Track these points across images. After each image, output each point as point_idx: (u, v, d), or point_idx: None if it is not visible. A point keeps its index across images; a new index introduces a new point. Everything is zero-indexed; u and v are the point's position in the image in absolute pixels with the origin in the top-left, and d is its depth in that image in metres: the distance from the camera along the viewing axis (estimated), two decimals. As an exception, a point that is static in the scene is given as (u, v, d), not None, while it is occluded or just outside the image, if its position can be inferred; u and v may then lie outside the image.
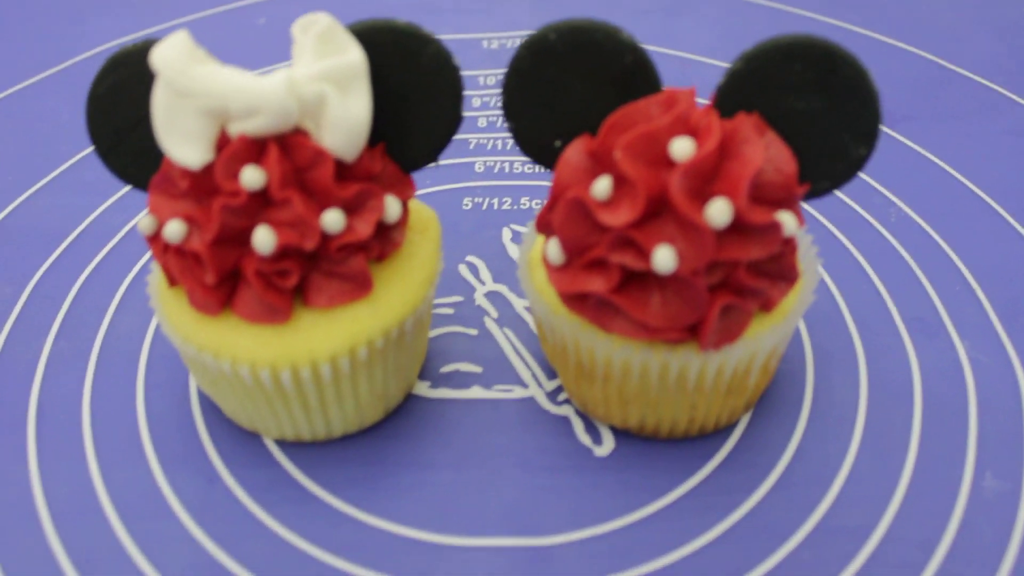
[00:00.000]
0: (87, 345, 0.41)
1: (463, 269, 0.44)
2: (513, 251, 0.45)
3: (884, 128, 0.52)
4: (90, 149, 0.52)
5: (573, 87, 0.33)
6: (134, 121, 0.34)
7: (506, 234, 0.46)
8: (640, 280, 0.32)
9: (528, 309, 0.42)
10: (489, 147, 0.52)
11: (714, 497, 0.35)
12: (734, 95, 0.32)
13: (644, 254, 0.31)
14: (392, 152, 0.35)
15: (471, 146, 0.52)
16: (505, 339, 0.41)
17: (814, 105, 0.32)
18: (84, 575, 0.33)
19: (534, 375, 0.39)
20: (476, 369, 0.39)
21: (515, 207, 0.47)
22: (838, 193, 0.45)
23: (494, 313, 0.42)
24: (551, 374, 0.39)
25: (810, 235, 0.38)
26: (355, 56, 0.32)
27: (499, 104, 0.35)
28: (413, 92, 0.34)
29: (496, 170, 0.49)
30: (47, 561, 0.33)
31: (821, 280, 0.43)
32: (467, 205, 0.47)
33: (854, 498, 0.35)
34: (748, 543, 0.34)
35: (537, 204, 0.47)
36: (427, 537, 0.34)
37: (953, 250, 0.44)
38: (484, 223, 0.47)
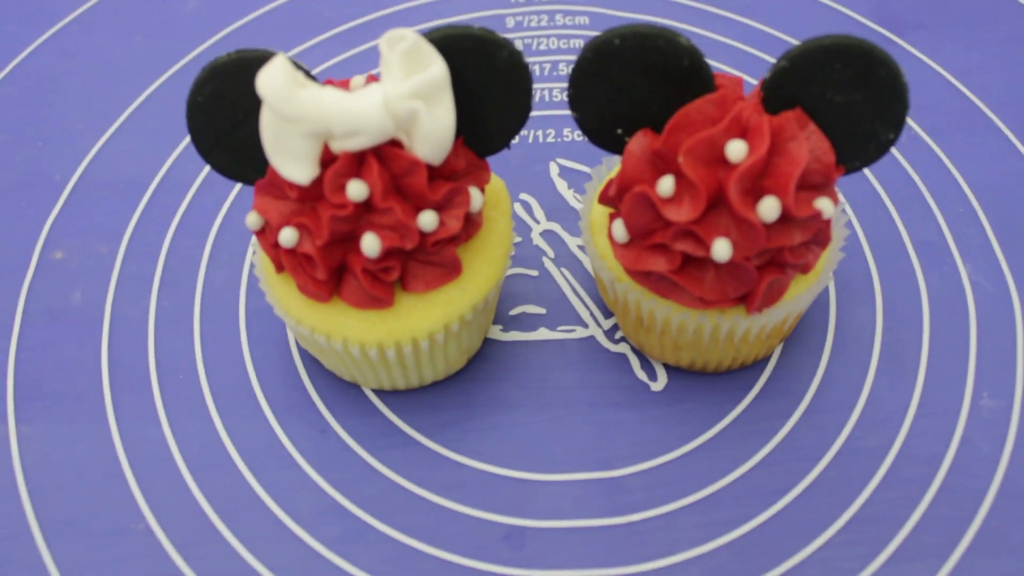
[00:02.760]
0: (188, 302, 0.45)
1: (518, 208, 0.48)
2: (561, 186, 0.49)
3: (894, 38, 0.55)
4: (149, 91, 0.54)
5: (634, 84, 0.37)
6: (231, 125, 0.38)
7: (553, 169, 0.50)
8: (697, 261, 0.37)
9: (581, 248, 0.47)
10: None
11: (754, 425, 0.41)
12: (779, 90, 0.36)
13: (704, 244, 0.35)
14: (469, 142, 0.38)
15: (510, 72, 0.54)
16: (563, 279, 0.46)
17: (851, 98, 0.36)
18: (228, 523, 0.39)
19: (592, 315, 0.45)
20: (540, 311, 0.45)
21: (559, 139, 0.51)
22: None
23: (551, 253, 0.47)
24: (607, 313, 0.45)
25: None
26: (439, 70, 0.35)
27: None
28: (488, 90, 0.37)
29: (537, 98, 0.53)
30: (195, 513, 0.39)
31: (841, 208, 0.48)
32: (514, 139, 0.51)
33: (872, 421, 0.41)
34: (786, 466, 0.40)
35: (579, 136, 0.51)
36: (515, 474, 0.40)
37: (956, 167, 0.49)
38: (531, 157, 0.50)
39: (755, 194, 0.35)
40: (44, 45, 0.57)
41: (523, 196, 0.49)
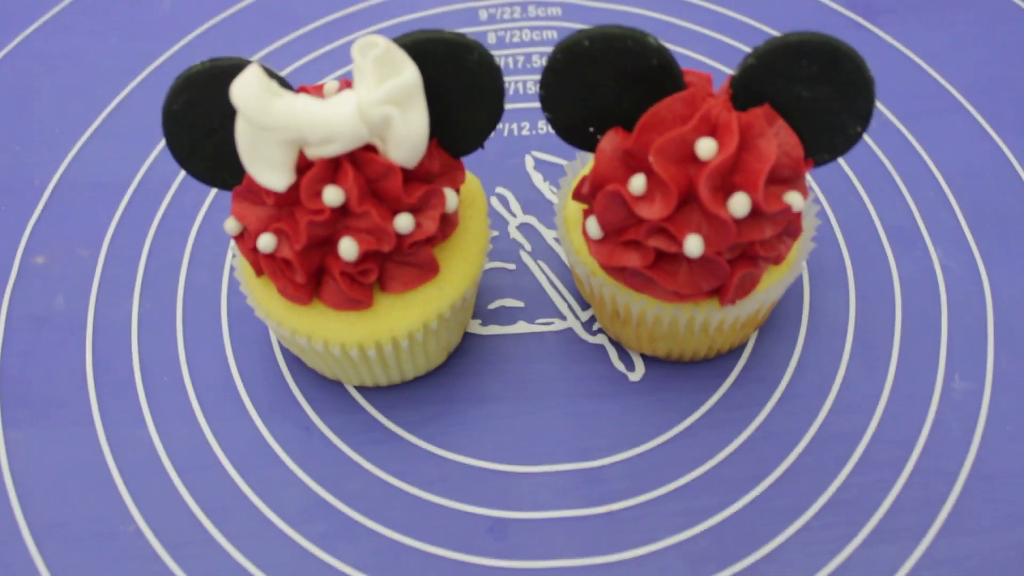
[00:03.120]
0: (171, 304, 0.46)
1: (495, 202, 0.49)
2: (537, 179, 0.49)
3: (863, 23, 0.56)
4: (125, 93, 0.54)
5: (604, 84, 0.37)
6: (207, 132, 0.38)
7: (529, 162, 0.50)
8: (670, 256, 0.37)
9: (558, 240, 0.47)
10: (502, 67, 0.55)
11: (731, 412, 0.42)
12: (747, 86, 0.37)
13: (676, 240, 0.36)
14: (443, 143, 0.39)
15: (484, 65, 0.55)
16: (541, 272, 0.46)
17: (818, 93, 0.36)
18: (217, 523, 0.40)
19: (570, 307, 0.45)
20: (519, 304, 0.45)
21: (534, 132, 0.52)
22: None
23: (528, 246, 0.47)
24: (584, 305, 0.45)
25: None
26: (411, 75, 0.36)
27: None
28: (461, 92, 0.38)
29: (511, 91, 0.53)
30: (184, 513, 0.40)
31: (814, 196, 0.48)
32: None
33: (846, 406, 0.42)
34: (762, 453, 0.41)
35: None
36: (497, 467, 0.41)
37: (927, 152, 0.50)
38: (507, 151, 0.51)
39: (725, 190, 0.36)
40: (18, 48, 0.57)
41: (499, 190, 0.49)
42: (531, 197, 0.49)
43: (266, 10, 0.58)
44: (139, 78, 0.55)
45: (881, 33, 0.55)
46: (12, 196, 0.50)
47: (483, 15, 0.57)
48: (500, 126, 0.52)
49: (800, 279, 0.46)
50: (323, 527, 0.40)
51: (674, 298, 0.38)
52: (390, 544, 0.39)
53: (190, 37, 0.57)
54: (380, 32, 0.56)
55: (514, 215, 0.48)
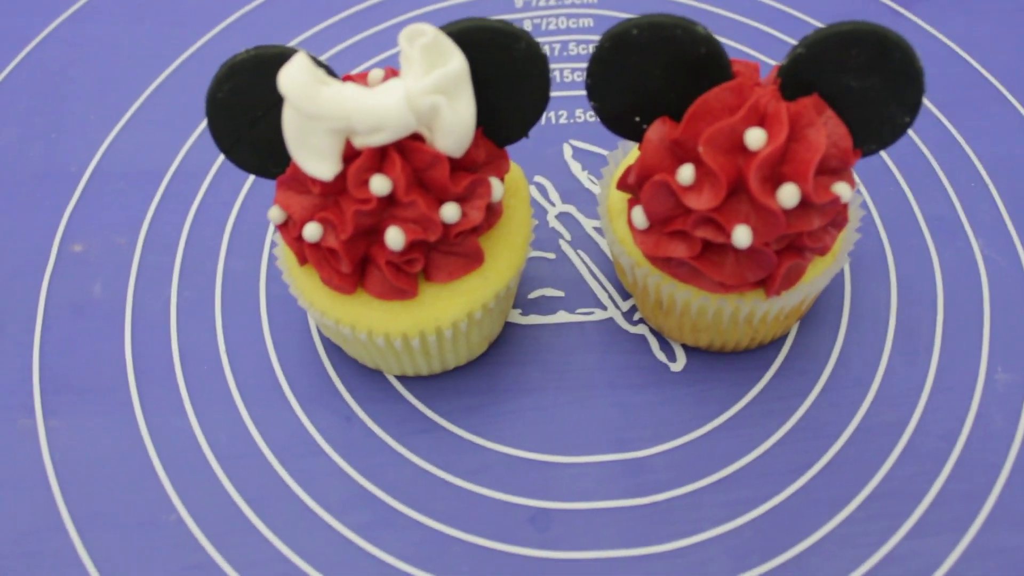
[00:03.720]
0: (209, 291, 0.46)
1: (533, 191, 0.48)
2: (576, 168, 0.49)
3: (901, 10, 0.55)
4: (160, 80, 0.54)
5: (652, 73, 0.37)
6: (251, 121, 0.38)
7: (567, 150, 0.50)
8: (717, 247, 0.37)
9: (597, 229, 0.47)
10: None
11: (773, 403, 0.42)
12: (796, 76, 0.36)
13: (724, 231, 0.36)
14: (488, 132, 0.39)
15: (519, 53, 0.54)
16: (580, 262, 0.46)
17: (867, 83, 0.36)
18: (258, 512, 0.40)
19: (610, 296, 0.45)
20: (559, 293, 0.45)
21: (571, 120, 0.51)
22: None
23: (567, 235, 0.47)
24: (625, 295, 0.45)
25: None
26: (458, 63, 0.35)
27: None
28: (506, 81, 0.37)
29: (548, 79, 0.53)
30: (225, 502, 0.40)
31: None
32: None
33: (888, 398, 0.42)
34: (805, 444, 0.41)
35: (591, 117, 0.51)
36: (539, 457, 0.41)
37: (967, 142, 0.49)
38: (545, 139, 0.51)
39: (774, 181, 0.35)
40: (51, 35, 0.57)
41: (538, 179, 0.49)
42: (570, 186, 0.49)
43: (300, -4, 0.58)
44: (174, 65, 0.55)
45: (919, 21, 0.54)
46: (49, 184, 0.50)
47: (519, 2, 0.57)
48: (536, 114, 0.51)
49: (841, 270, 0.45)
50: (365, 517, 0.40)
51: (720, 289, 0.38)
52: (432, 534, 0.39)
53: (225, 23, 0.57)
54: (417, 19, 0.56)
55: (553, 204, 0.48)
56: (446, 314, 0.38)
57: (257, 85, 0.37)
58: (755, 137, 0.35)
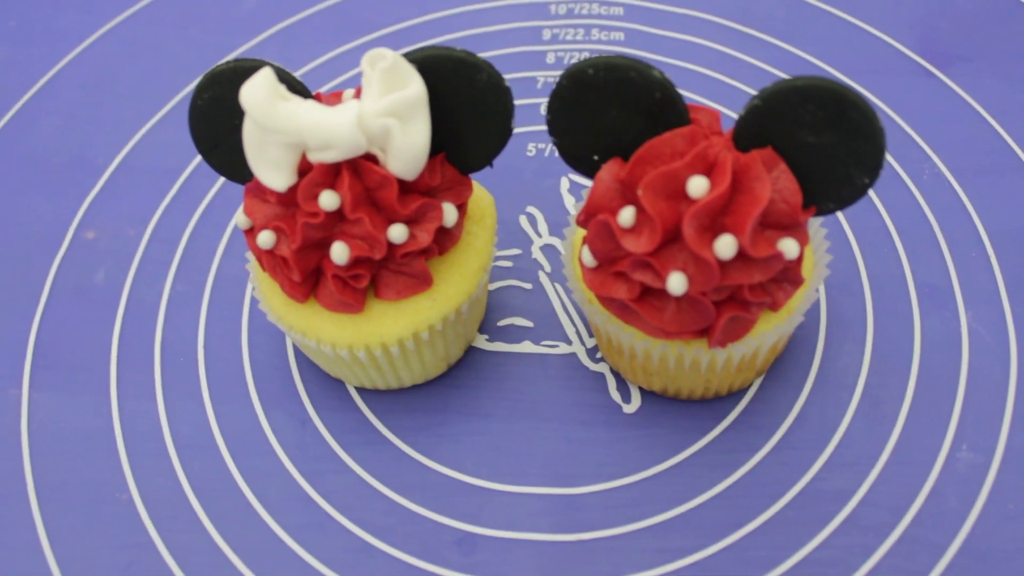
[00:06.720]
0: (200, 288, 0.48)
1: (523, 220, 0.49)
2: (569, 201, 0.50)
3: (934, 71, 0.54)
4: (193, 85, 0.57)
5: (608, 113, 0.37)
6: (229, 128, 0.40)
7: (564, 184, 0.50)
8: (658, 292, 0.37)
9: (578, 265, 0.47)
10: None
11: (721, 456, 0.41)
12: (752, 128, 0.36)
13: (660, 276, 0.36)
14: (451, 159, 0.39)
15: (538, 85, 0.55)
16: (556, 295, 0.46)
17: (824, 140, 0.36)
18: (203, 502, 0.41)
19: (577, 332, 0.45)
20: (528, 324, 0.46)
21: (574, 155, 0.52)
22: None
23: (548, 267, 0.47)
24: (592, 332, 0.45)
25: (824, 228, 0.42)
26: (415, 89, 0.36)
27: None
28: (469, 109, 0.38)
29: (558, 113, 0.53)
30: (175, 489, 0.42)
31: (845, 242, 0.47)
32: (531, 152, 0.52)
33: (841, 464, 0.41)
34: (745, 501, 0.40)
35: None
36: (477, 482, 0.41)
37: (976, 211, 0.48)
38: (545, 171, 0.51)
39: (714, 231, 0.35)
40: (109, 33, 0.61)
41: (530, 209, 0.50)
42: (560, 219, 0.49)
43: (342, 14, 0.60)
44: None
45: (950, 83, 0.53)
46: (77, 171, 0.53)
47: (547, 35, 0.57)
48: (540, 146, 0.52)
49: (816, 327, 0.44)
50: (300, 519, 0.41)
51: (661, 334, 0.38)
52: (359, 543, 0.40)
53: (266, 34, 0.59)
54: (445, 44, 0.57)
55: (539, 235, 0.48)
56: (391, 331, 0.39)
57: (235, 95, 0.39)
58: (697, 185, 0.35)
